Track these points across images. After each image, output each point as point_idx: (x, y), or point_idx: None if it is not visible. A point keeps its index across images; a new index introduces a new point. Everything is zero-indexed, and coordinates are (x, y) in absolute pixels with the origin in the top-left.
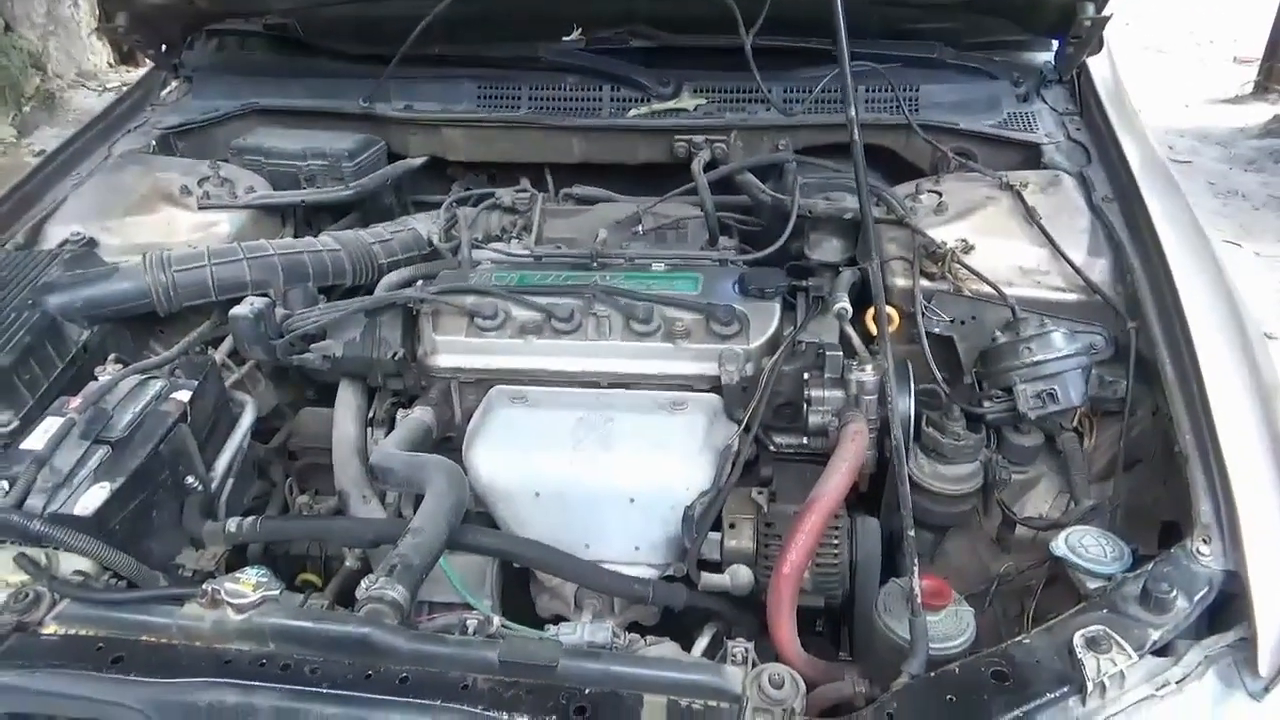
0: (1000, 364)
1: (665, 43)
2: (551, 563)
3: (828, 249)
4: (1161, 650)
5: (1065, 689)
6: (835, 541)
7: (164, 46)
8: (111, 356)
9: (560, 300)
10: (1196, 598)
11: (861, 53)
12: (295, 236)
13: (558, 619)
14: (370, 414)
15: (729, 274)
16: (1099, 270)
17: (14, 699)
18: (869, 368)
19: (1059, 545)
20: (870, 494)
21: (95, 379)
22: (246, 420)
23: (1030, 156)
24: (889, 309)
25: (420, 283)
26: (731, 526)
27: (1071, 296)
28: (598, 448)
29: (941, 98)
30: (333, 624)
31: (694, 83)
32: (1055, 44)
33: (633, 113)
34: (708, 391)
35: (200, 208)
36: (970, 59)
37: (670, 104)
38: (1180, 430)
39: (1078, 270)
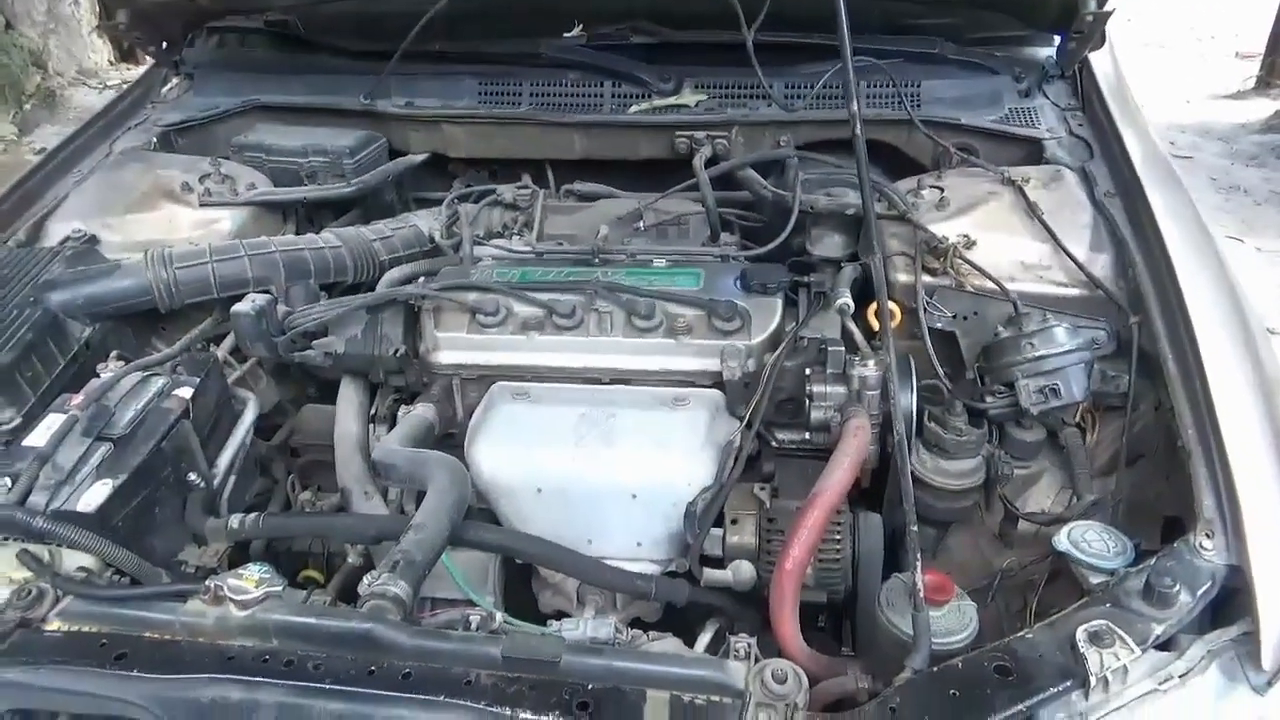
0: (1002, 359)
1: (666, 39)
2: (554, 559)
3: (829, 244)
4: (1164, 645)
5: (1068, 683)
6: (837, 537)
7: (165, 44)
8: (113, 354)
9: (562, 296)
10: (1199, 592)
11: (863, 48)
12: (297, 233)
13: (560, 615)
14: (372, 411)
15: (730, 270)
16: (1101, 265)
17: (18, 695)
18: (871, 363)
19: (1061, 540)
20: (872, 489)
21: (97, 376)
22: (248, 417)
23: (1032, 152)
24: (891, 304)
25: (422, 279)
26: (734, 522)
27: (1074, 291)
28: (600, 444)
29: (943, 93)
30: (336, 620)
31: (695, 79)
32: (1057, 39)
33: (634, 109)
34: (709, 387)
35: (201, 205)
36: (972, 54)
37: (671, 100)
38: (1183, 425)
39: (1080, 265)
